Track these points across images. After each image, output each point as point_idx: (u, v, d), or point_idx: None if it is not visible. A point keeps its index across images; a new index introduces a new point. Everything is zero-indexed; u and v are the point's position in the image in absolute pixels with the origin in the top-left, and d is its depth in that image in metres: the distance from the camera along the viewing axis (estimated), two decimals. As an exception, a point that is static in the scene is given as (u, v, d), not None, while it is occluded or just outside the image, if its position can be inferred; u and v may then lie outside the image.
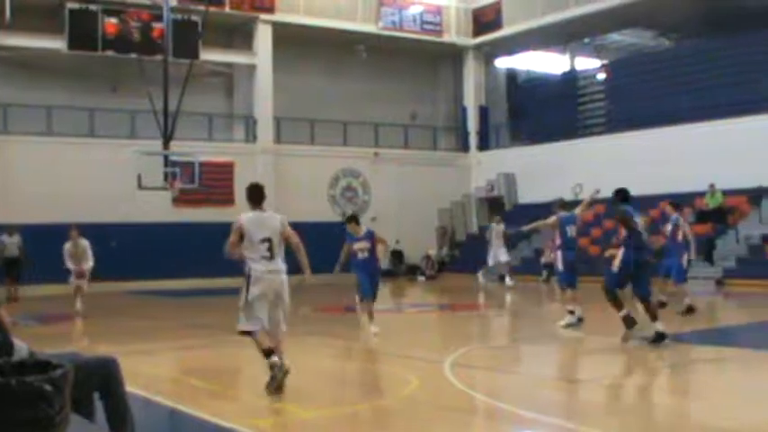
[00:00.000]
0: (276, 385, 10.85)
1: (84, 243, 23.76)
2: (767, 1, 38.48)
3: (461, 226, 46.18)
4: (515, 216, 42.71)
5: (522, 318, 23.97)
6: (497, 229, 35.78)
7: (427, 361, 13.71)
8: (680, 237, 20.77)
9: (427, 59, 48.12)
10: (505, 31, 45.52)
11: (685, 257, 20.74)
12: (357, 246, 18.11)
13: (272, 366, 10.96)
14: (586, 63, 50.99)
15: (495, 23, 45.96)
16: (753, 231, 33.40)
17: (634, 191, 32.85)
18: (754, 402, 10.55)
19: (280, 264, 11.61)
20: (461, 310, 26.42)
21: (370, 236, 18.27)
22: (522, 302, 29.62)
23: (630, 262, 14.82)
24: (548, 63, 51.69)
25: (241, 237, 11.66)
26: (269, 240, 11.55)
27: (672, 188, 33.77)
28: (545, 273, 35.38)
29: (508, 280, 34.38)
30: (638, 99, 40.87)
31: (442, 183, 45.15)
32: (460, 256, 44.00)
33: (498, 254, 35.43)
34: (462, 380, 11.84)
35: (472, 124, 48.02)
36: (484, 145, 47.94)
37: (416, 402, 10.74)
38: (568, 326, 17.84)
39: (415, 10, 45.16)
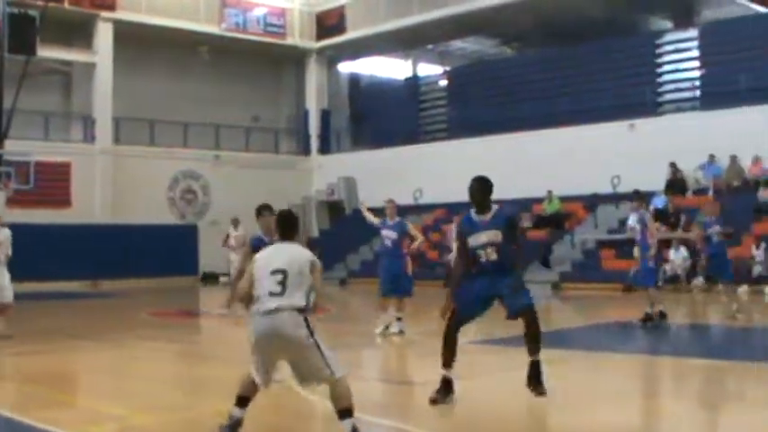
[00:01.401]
0: None
1: (7, 233, 20.64)
2: (607, 12, 39.57)
3: (301, 229, 46.10)
4: (355, 221, 42.89)
5: (358, 321, 24.04)
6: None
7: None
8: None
9: (270, 62, 48.05)
10: (349, 35, 45.76)
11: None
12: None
13: (231, 418, 8.83)
14: (429, 69, 51.50)
15: (339, 28, 46.10)
16: (588, 236, 34.20)
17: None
18: (589, 401, 10.77)
19: (288, 300, 8.56)
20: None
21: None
22: (359, 306, 29.72)
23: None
24: (390, 68, 52.09)
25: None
26: (282, 272, 8.67)
27: (511, 194, 34.25)
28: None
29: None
30: (479, 106, 41.48)
31: (282, 186, 45.00)
32: (301, 259, 43.95)
33: None
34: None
35: (314, 128, 48.12)
36: (325, 148, 48.10)
37: (254, 406, 10.67)
38: (400, 332, 17.61)
39: (258, 12, 45.05)
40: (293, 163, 47.43)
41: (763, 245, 28.88)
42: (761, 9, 39.53)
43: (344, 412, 8.73)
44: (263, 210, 13.00)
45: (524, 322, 10.48)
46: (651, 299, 18.87)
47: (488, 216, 10.49)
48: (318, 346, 8.61)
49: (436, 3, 41.28)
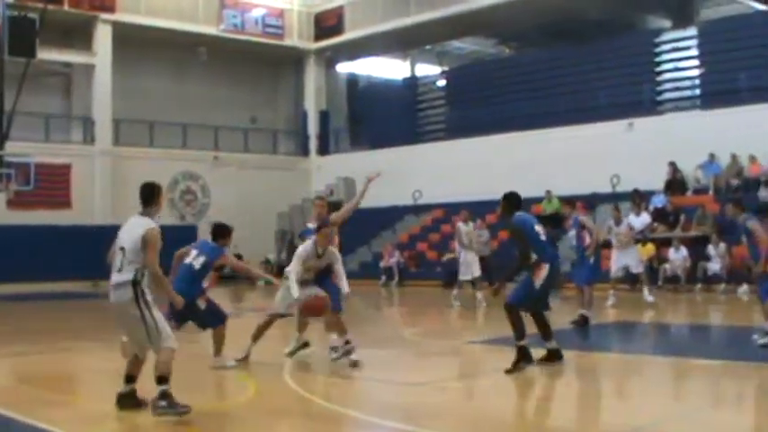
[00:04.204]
0: None
1: None
2: (605, 12, 39.58)
3: (301, 230, 46.07)
4: (354, 221, 42.87)
5: (361, 322, 24.03)
6: (466, 229, 25.43)
7: (266, 365, 13.64)
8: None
9: (269, 63, 48.04)
10: (347, 36, 45.82)
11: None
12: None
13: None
14: (427, 69, 51.49)
15: (337, 28, 46.16)
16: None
17: (471, 197, 33.28)
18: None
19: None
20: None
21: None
22: (361, 307, 29.70)
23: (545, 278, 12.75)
24: (389, 69, 52.09)
25: None
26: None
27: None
28: (384, 277, 35.81)
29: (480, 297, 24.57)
30: (477, 106, 41.45)
31: (281, 187, 45.10)
32: (300, 260, 43.89)
33: (473, 264, 25.00)
34: (301, 384, 11.84)
35: (312, 128, 48.17)
36: (324, 149, 48.13)
37: (254, 407, 10.70)
38: None
39: (257, 13, 45.10)
40: (292, 164, 47.48)
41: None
42: (761, 7, 39.52)
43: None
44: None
45: None
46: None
47: None
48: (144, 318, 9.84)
49: (434, 3, 41.35)
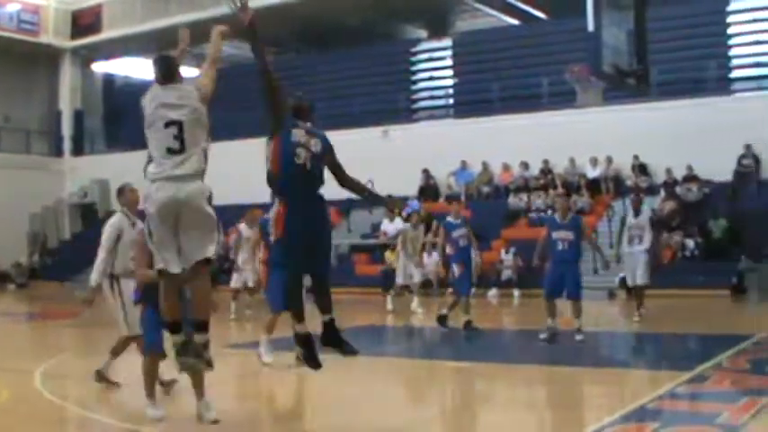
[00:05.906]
0: None
1: None
2: (364, 20, 40.21)
3: (54, 232, 45.14)
4: (101, 223, 42.23)
5: (100, 326, 23.75)
6: (412, 235, 25.00)
7: (17, 371, 13.37)
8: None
9: (23, 60, 46.66)
10: (105, 35, 45.03)
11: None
12: None
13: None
14: (185, 72, 51.13)
15: (95, 27, 45.35)
16: (342, 241, 34.59)
17: (225, 201, 33.00)
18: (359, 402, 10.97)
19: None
20: (53, 319, 25.89)
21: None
22: (96, 312, 29.34)
23: None
24: (147, 69, 51.48)
25: None
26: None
27: (262, 198, 34.42)
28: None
29: (415, 304, 24.34)
30: (234, 109, 41.36)
31: (34, 188, 43.94)
32: (53, 263, 42.97)
33: (410, 267, 24.78)
34: (54, 391, 11.64)
35: (67, 129, 47.15)
36: (78, 150, 47.20)
37: (3, 415, 10.49)
38: None
39: (11, 8, 43.80)
40: (45, 164, 46.34)
41: (512, 249, 29.66)
42: (512, 20, 40.87)
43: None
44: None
45: None
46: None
47: None
48: None
49: (194, 5, 41.07)
